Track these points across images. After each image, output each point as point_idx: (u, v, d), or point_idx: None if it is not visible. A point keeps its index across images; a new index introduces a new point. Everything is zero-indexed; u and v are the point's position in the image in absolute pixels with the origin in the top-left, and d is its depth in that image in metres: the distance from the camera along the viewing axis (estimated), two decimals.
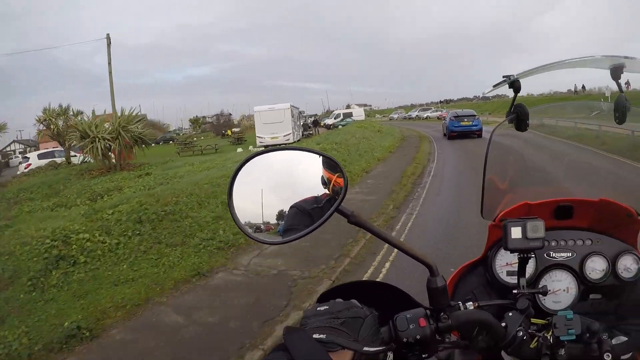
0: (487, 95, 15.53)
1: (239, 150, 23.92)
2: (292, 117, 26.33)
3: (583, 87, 38.65)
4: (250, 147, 24.44)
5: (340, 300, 0.74)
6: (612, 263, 1.02)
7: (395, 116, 60.35)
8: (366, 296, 0.78)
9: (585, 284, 1.03)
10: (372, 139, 18.97)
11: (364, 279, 4.11)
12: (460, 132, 18.40)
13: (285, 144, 20.81)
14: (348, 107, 69.88)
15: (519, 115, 1.13)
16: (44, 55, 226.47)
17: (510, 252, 0.90)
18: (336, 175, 0.75)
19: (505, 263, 1.06)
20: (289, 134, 25.27)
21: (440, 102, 64.85)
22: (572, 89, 39.97)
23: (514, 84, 1.11)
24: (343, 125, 34.04)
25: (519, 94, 1.14)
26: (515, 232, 0.86)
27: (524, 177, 1.41)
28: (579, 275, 1.03)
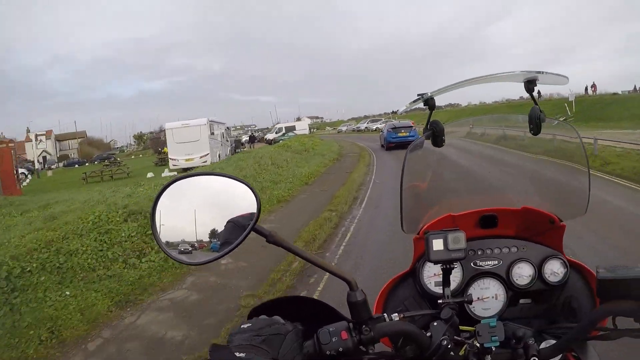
0: (403, 112, 17.52)
1: (150, 174, 20.37)
2: (212, 134, 22.69)
3: (539, 92, 38.02)
4: (165, 172, 20.95)
5: (264, 317, 0.76)
6: (538, 268, 1.06)
7: (344, 128, 55.38)
8: (293, 311, 0.82)
9: (513, 290, 1.06)
10: (291, 162, 14.64)
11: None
12: (397, 142, 18.61)
13: (201, 166, 18.20)
14: (298, 119, 66.75)
15: (434, 132, 1.17)
16: None
17: (434, 264, 0.93)
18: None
19: (432, 274, 1.07)
20: (206, 155, 21.27)
21: (393, 112, 59.99)
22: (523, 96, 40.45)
23: (428, 102, 1.15)
24: (284, 140, 30.79)
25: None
26: (437, 244, 0.89)
27: (447, 190, 1.46)
28: (507, 281, 1.07)
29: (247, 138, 44.88)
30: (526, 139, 1.21)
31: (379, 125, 38.42)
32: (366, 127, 49.02)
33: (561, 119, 26.58)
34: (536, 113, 1.11)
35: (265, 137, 48.44)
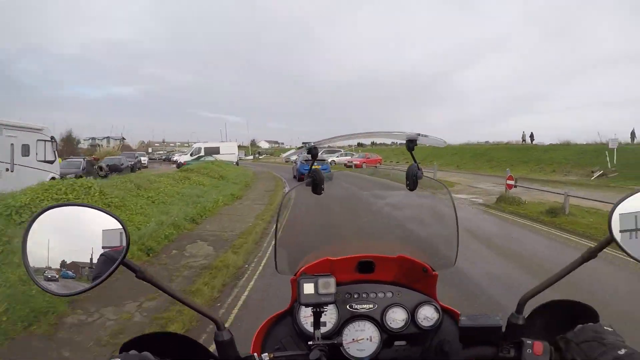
0: (289, 159, 18.49)
1: None
2: None
3: (532, 135, 35.56)
4: None
5: (134, 352, 0.75)
6: (412, 313, 1.12)
7: (293, 157, 42.42)
8: (164, 348, 0.82)
9: (387, 333, 1.11)
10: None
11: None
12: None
13: None
14: (252, 143, 61.10)
15: (314, 180, 1.20)
16: None
17: (305, 307, 0.99)
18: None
19: (309, 314, 1.05)
20: None
21: (358, 145, 57.16)
22: (521, 138, 36.54)
23: (312, 151, 1.18)
24: (191, 165, 23.72)
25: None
26: (308, 288, 0.92)
27: (327, 234, 1.50)
28: (381, 325, 1.11)
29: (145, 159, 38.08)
30: (406, 194, 1.27)
31: (335, 159, 34.14)
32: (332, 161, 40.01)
33: (597, 173, 20.73)
34: (414, 171, 1.19)
35: (173, 158, 42.59)
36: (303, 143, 1.20)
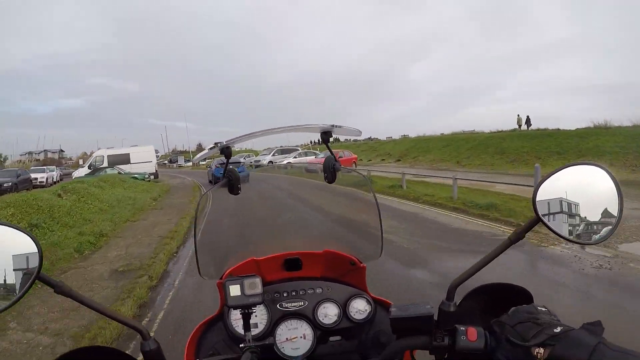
0: (197, 161, 15.36)
1: None
2: None
3: (528, 119, 29.82)
4: None
5: None
6: (344, 307, 1.11)
7: (242, 160, 30.66)
8: None
9: (320, 329, 1.09)
10: None
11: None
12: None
13: None
14: (199, 148, 55.08)
15: (230, 180, 1.18)
16: None
17: (233, 309, 0.99)
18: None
19: (239, 316, 1.01)
20: None
21: (318, 142, 46.84)
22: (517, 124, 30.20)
23: (224, 150, 1.13)
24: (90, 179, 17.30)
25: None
26: (234, 290, 0.91)
27: (250, 234, 1.44)
28: (313, 321, 1.10)
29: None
30: (327, 187, 1.25)
31: (292, 160, 25.53)
32: (270, 162, 27.52)
33: None
34: (331, 162, 1.17)
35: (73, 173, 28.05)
36: (215, 143, 1.16)
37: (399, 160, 32.11)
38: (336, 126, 1.15)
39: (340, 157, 17.71)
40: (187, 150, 68.94)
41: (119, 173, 21.57)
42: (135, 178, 20.95)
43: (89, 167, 24.93)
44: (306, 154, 27.51)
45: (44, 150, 72.29)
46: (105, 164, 25.24)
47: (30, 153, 69.07)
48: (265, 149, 31.36)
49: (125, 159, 26.02)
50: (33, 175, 24.81)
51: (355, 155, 29.10)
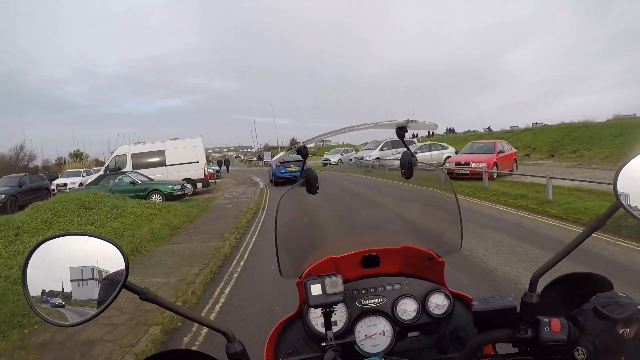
0: (274, 163, 14.13)
1: None
2: None
3: None
4: None
5: None
6: (422, 302, 1.10)
7: (335, 159, 29.35)
8: None
9: (399, 325, 1.09)
10: None
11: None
12: (286, 178, 17.44)
13: None
14: (292, 142, 52.03)
15: (307, 179, 1.18)
16: (12, 79, 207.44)
17: (314, 309, 0.97)
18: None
19: (318, 315, 1.04)
20: None
21: (430, 134, 42.39)
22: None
23: (301, 151, 1.15)
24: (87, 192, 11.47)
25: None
26: (315, 289, 0.92)
27: (327, 232, 1.44)
28: (392, 318, 1.09)
29: None
30: (403, 182, 1.24)
31: (385, 156, 20.38)
32: (375, 160, 14.92)
33: None
34: (407, 158, 1.17)
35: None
36: (291, 144, 1.17)
37: (551, 155, 23.39)
38: (411, 121, 1.14)
39: (500, 152, 14.33)
40: (276, 146, 65.07)
41: (132, 184, 14.20)
42: (159, 191, 13.95)
43: (105, 171, 17.14)
44: (430, 148, 20.59)
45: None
46: (129, 167, 16.84)
47: (113, 152, 66.77)
48: (371, 142, 25.10)
49: (158, 159, 17.35)
50: (63, 181, 21.41)
51: (515, 150, 17.94)
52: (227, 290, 4.96)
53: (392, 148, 21.29)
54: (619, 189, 0.76)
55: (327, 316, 0.93)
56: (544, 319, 0.80)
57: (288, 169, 17.54)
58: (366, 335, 1.08)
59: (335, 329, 1.06)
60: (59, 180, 22.37)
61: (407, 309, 1.10)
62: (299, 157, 1.14)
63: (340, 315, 1.09)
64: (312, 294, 0.92)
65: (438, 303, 1.11)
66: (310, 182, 1.18)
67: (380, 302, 1.11)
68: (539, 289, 0.86)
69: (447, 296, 1.12)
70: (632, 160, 0.77)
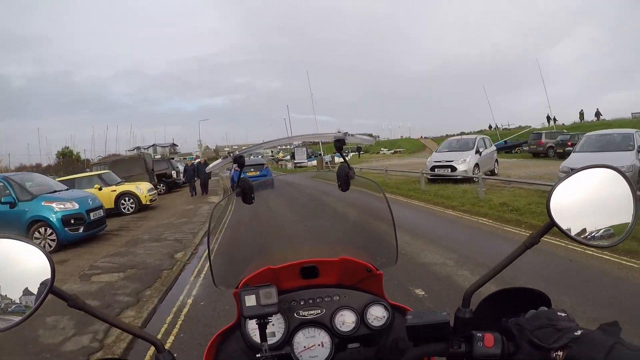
0: (210, 170, 13.06)
1: None
2: None
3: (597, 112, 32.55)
4: None
5: None
6: (361, 314, 1.10)
7: (307, 161, 28.92)
8: None
9: (338, 337, 1.09)
10: None
11: None
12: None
13: None
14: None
15: (243, 189, 1.19)
16: (61, 80, 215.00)
17: (249, 319, 0.99)
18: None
19: (256, 326, 0.99)
20: None
21: (507, 127, 42.04)
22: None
23: (237, 160, 1.16)
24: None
25: None
26: (249, 300, 0.91)
27: (266, 242, 1.45)
28: (331, 329, 1.09)
29: None
30: (341, 195, 1.25)
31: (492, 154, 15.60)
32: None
33: None
34: (344, 170, 1.19)
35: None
36: (228, 153, 1.18)
37: None
38: (349, 134, 1.16)
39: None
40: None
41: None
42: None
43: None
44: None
45: (154, 145, 69.24)
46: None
47: (138, 148, 65.24)
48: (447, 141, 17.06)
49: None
50: None
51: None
52: None
53: (486, 147, 15.14)
54: (552, 207, 0.78)
55: (262, 327, 0.92)
56: (478, 334, 0.80)
57: (248, 174, 17.06)
58: (305, 347, 1.07)
59: (273, 340, 1.06)
60: None
61: (346, 320, 1.10)
62: (262, 161, 1.15)
63: (278, 327, 1.08)
64: (247, 305, 0.91)
65: (377, 315, 1.11)
66: (245, 192, 1.19)
67: (319, 313, 1.11)
68: (474, 306, 0.87)
69: (385, 308, 1.12)
70: (565, 181, 0.79)
